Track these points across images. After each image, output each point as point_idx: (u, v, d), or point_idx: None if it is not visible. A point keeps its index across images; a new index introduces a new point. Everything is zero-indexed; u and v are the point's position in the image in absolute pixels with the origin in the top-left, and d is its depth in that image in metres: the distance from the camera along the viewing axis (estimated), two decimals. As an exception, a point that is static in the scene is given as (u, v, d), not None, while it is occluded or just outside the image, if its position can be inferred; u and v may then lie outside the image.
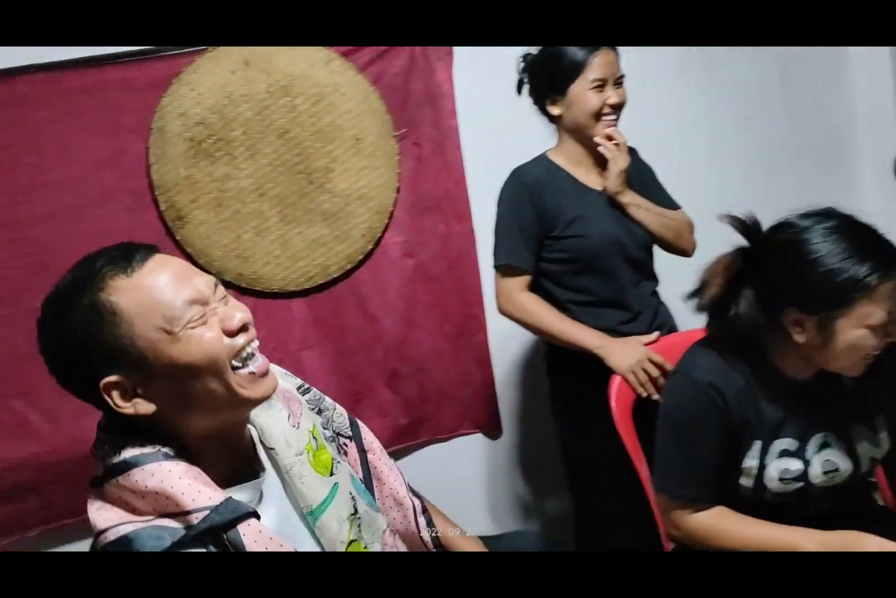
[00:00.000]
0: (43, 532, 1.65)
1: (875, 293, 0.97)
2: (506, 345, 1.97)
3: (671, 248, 1.63)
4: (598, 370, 1.47)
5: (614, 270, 1.55)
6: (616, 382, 1.43)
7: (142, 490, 0.74)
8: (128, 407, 0.76)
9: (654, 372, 1.43)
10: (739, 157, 2.17)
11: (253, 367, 0.79)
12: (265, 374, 0.80)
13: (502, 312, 1.59)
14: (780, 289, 1.04)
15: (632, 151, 1.62)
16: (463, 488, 2.00)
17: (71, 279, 0.77)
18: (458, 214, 1.85)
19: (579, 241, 1.53)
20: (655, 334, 1.51)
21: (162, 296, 0.75)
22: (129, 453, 0.76)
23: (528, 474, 2.05)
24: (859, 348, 1.01)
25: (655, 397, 1.40)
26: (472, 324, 1.93)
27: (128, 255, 0.77)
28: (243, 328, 0.79)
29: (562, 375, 1.66)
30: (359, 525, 0.90)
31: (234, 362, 0.78)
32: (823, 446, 1.11)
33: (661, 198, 1.64)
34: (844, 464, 1.11)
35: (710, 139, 2.14)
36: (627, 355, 1.44)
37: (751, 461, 1.10)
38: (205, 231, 1.64)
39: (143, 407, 0.77)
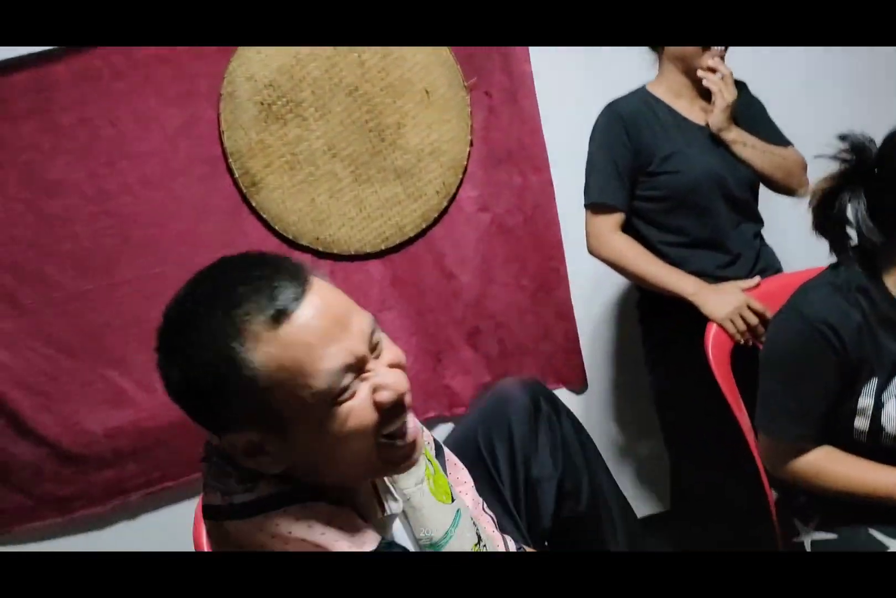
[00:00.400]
0: (144, 496, 1.83)
1: None
2: (589, 298, 2.03)
3: (780, 188, 1.62)
4: (693, 317, 1.48)
5: (712, 209, 1.56)
6: (712, 330, 1.45)
7: (284, 536, 0.69)
8: (251, 463, 0.71)
9: (753, 320, 1.44)
10: (840, 85, 2.13)
11: (401, 442, 0.73)
12: (413, 445, 0.74)
13: (592, 253, 1.62)
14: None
15: (740, 85, 1.60)
16: None
17: (205, 316, 0.66)
18: (535, 165, 1.89)
19: (676, 177, 1.54)
20: (756, 279, 1.52)
21: (313, 363, 0.65)
22: (264, 491, 0.71)
23: (615, 426, 2.14)
24: None
25: (757, 343, 1.42)
26: (553, 277, 1.99)
27: (274, 292, 0.66)
28: (397, 405, 0.71)
29: (655, 322, 1.70)
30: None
31: (382, 439, 0.71)
32: None
33: (771, 134, 1.63)
34: None
35: (809, 66, 2.11)
36: (724, 303, 1.45)
37: (866, 400, 1.11)
38: (280, 196, 1.73)
39: (270, 466, 0.71)
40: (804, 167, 1.62)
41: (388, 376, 0.70)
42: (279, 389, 0.66)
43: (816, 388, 1.12)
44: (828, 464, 1.15)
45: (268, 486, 0.71)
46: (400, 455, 0.73)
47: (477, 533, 0.87)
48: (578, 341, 2.04)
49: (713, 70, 1.51)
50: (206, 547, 1.04)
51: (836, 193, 1.09)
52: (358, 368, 0.69)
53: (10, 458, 1.72)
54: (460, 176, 1.84)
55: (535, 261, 1.97)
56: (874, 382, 1.11)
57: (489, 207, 1.90)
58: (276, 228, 1.76)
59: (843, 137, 1.08)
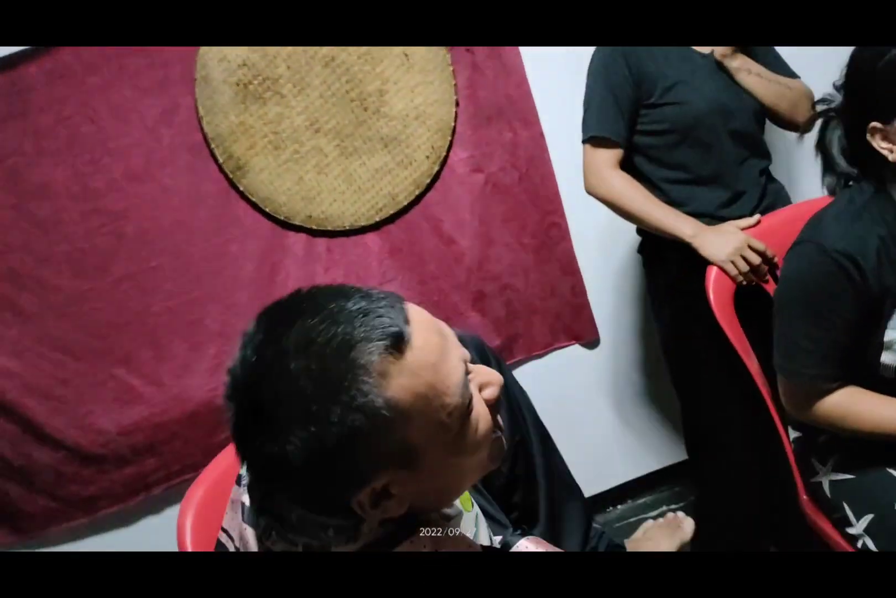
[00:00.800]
0: (165, 490, 1.98)
1: None
2: (593, 250, 2.13)
3: (784, 121, 1.66)
4: (696, 260, 1.52)
5: (717, 143, 1.59)
6: (713, 273, 1.49)
7: None
8: (376, 514, 0.68)
9: (756, 260, 1.48)
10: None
11: (500, 432, 0.74)
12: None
13: (589, 191, 1.67)
14: (856, 108, 1.11)
15: None
16: (566, 402, 2.22)
17: (316, 372, 0.62)
18: (524, 120, 1.97)
19: (679, 108, 1.57)
20: (755, 217, 1.56)
21: (443, 382, 0.65)
22: (369, 536, 0.70)
23: (631, 379, 2.27)
24: None
25: (762, 282, 1.47)
26: (554, 232, 2.09)
27: (383, 319, 0.64)
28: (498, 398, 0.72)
29: (658, 267, 1.76)
30: None
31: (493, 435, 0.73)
32: None
33: (777, 65, 1.66)
34: None
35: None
36: (724, 244, 1.49)
37: (894, 333, 1.13)
38: (267, 177, 1.83)
39: (394, 510, 0.68)
40: (811, 99, 1.63)
41: (484, 372, 0.72)
42: (416, 419, 0.64)
43: (838, 324, 1.13)
44: (855, 405, 1.17)
45: (370, 530, 0.69)
46: (499, 447, 0.74)
47: (490, 537, 0.90)
48: (586, 295, 2.15)
49: None
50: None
51: (827, 123, 1.18)
52: (467, 373, 0.69)
53: (32, 463, 1.85)
54: (449, 138, 1.93)
55: (535, 217, 2.07)
56: None
57: (482, 167, 1.99)
58: (267, 210, 1.85)
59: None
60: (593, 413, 2.28)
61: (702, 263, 1.52)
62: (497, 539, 1.12)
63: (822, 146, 1.19)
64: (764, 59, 1.64)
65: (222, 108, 1.75)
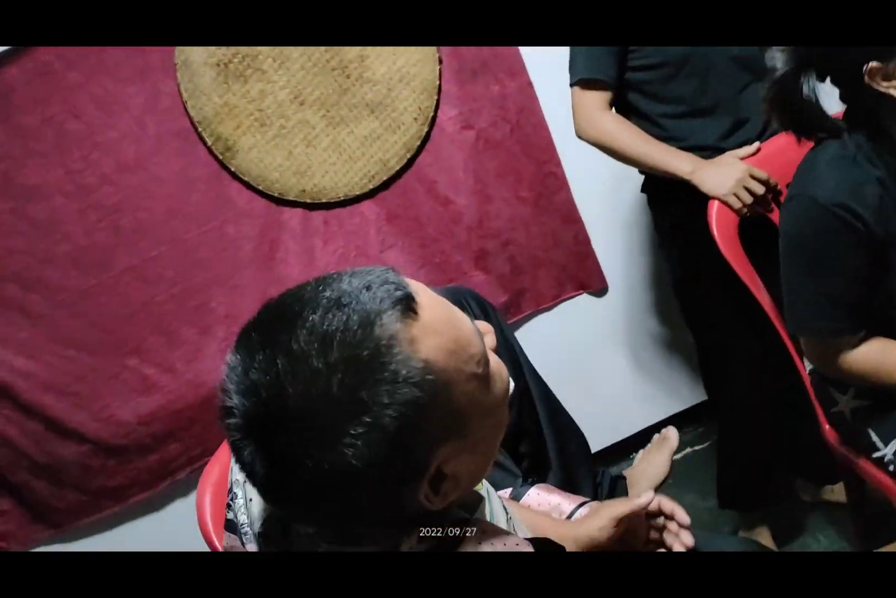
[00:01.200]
0: (190, 473, 2.15)
1: None
2: (594, 197, 2.24)
3: None
4: (702, 196, 1.55)
5: (714, 71, 1.62)
6: (714, 207, 1.52)
7: None
8: (439, 502, 0.68)
9: (759, 189, 1.50)
10: None
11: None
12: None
13: (581, 136, 1.72)
14: (851, 49, 1.10)
15: None
16: (579, 352, 2.37)
17: (347, 357, 0.61)
18: (510, 70, 2.06)
19: None
20: (755, 146, 1.59)
21: (462, 332, 0.67)
22: (413, 544, 0.69)
23: (644, 325, 2.40)
24: None
25: (768, 212, 1.50)
26: (551, 182, 2.20)
27: (387, 286, 0.65)
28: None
29: (662, 205, 1.83)
30: (513, 527, 0.92)
31: None
32: None
33: None
34: None
35: None
36: (725, 177, 1.52)
37: None
38: (256, 155, 1.94)
39: (454, 492, 0.69)
40: None
41: (477, 322, 0.73)
42: (455, 377, 0.65)
43: (847, 277, 1.16)
44: (886, 356, 1.21)
45: (411, 536, 0.69)
46: (509, 398, 0.75)
47: (504, 507, 0.93)
48: (590, 242, 2.27)
49: None
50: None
51: (793, 75, 1.18)
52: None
53: (58, 459, 2.01)
54: (436, 97, 2.03)
55: (530, 169, 2.17)
56: None
57: (472, 123, 2.09)
58: (261, 188, 1.97)
59: None
60: (608, 361, 2.41)
61: (707, 198, 1.56)
62: (507, 492, 1.22)
63: (794, 99, 1.18)
64: None
65: (205, 90, 1.86)
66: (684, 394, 2.43)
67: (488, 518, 0.86)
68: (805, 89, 1.16)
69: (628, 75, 1.68)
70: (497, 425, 0.72)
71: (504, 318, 1.42)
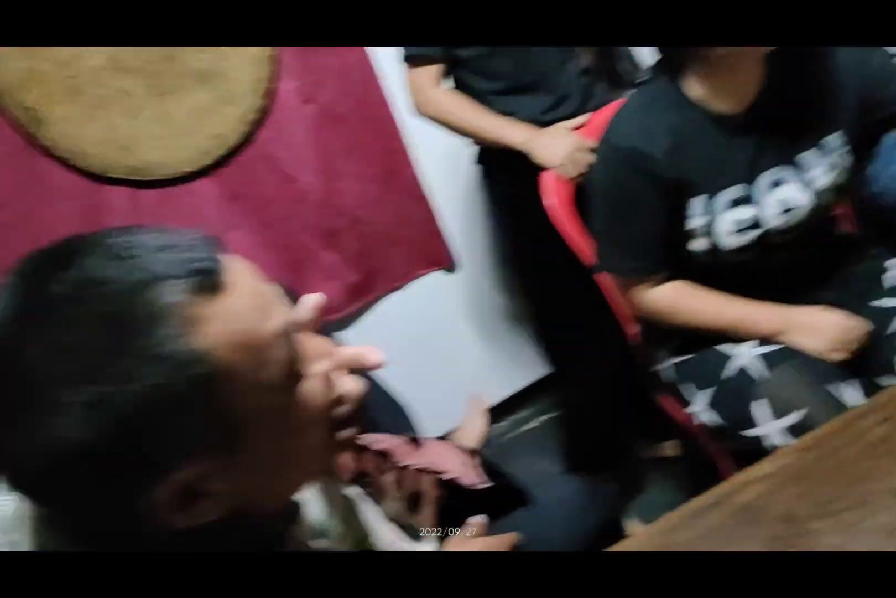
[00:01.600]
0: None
1: None
2: (445, 172, 2.14)
3: None
4: (535, 166, 1.55)
5: (533, 48, 1.61)
6: (550, 178, 1.51)
7: None
8: (185, 520, 0.56)
9: (590, 158, 1.48)
10: None
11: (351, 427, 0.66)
12: None
13: (418, 112, 1.70)
14: None
15: None
16: (433, 330, 2.28)
17: (102, 313, 0.51)
18: (350, 40, 1.91)
19: None
20: (585, 117, 1.60)
21: (266, 329, 0.56)
22: None
23: (495, 300, 2.35)
24: None
25: None
26: (397, 159, 2.07)
27: (192, 254, 0.55)
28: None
29: (496, 177, 1.81)
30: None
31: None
32: (775, 184, 1.20)
33: None
34: (801, 198, 1.20)
35: None
36: (556, 147, 1.53)
37: (698, 220, 1.21)
38: (71, 128, 1.68)
39: (211, 512, 0.57)
40: None
41: (322, 344, 0.64)
42: (236, 377, 0.54)
43: (641, 216, 1.21)
44: (680, 299, 1.27)
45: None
46: (344, 446, 0.68)
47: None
48: (438, 219, 2.18)
49: None
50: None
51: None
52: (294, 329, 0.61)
53: None
54: (271, 68, 1.84)
55: (376, 145, 2.04)
56: (701, 199, 1.20)
57: (314, 96, 1.92)
58: (79, 165, 1.72)
59: None
60: (461, 338, 2.35)
61: (540, 168, 1.56)
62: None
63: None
64: None
65: (5, 55, 1.58)
66: (536, 366, 2.38)
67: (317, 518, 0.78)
68: None
69: (458, 52, 1.64)
70: (306, 447, 0.61)
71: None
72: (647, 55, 1.23)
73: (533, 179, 1.56)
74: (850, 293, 1.30)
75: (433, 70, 1.65)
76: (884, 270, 1.33)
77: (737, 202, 1.20)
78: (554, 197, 1.50)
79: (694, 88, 1.17)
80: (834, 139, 1.22)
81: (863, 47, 1.20)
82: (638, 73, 1.23)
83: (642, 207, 1.21)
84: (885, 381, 1.22)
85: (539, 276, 1.85)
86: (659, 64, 1.22)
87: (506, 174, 1.75)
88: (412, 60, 1.66)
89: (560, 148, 1.53)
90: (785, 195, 1.20)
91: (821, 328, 1.21)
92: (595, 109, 1.65)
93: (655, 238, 1.24)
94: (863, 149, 1.29)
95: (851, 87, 1.19)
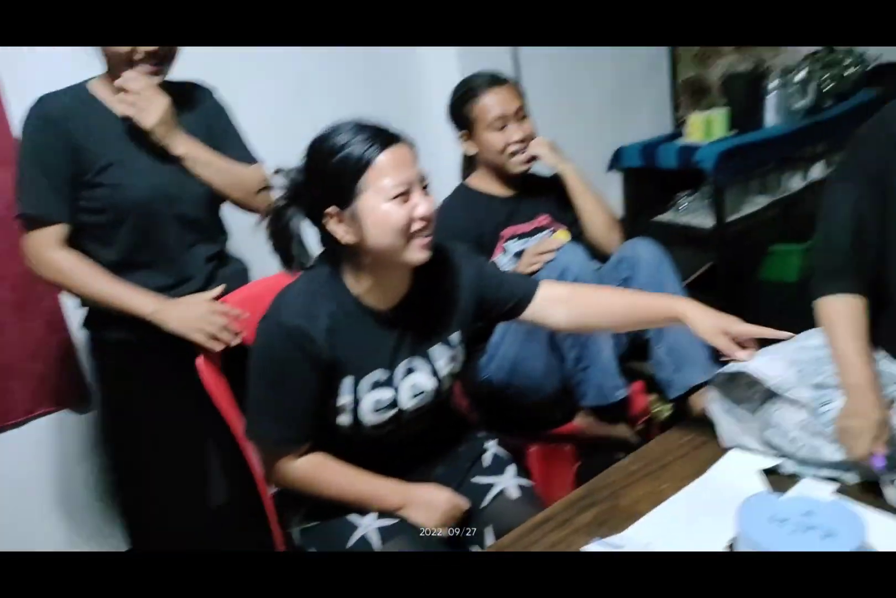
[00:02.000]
0: None
1: (378, 165, 1.19)
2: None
3: (243, 206, 1.67)
4: (148, 336, 1.52)
5: (157, 229, 1.57)
6: (201, 358, 1.50)
7: None
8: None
9: (222, 320, 1.52)
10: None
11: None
12: None
13: (36, 273, 1.56)
14: (317, 194, 1.25)
15: (205, 92, 1.67)
16: (44, 479, 2.07)
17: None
18: (3, 159, 1.76)
19: (115, 190, 1.52)
20: (218, 289, 1.58)
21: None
22: None
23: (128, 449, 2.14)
24: (389, 223, 1.20)
25: (236, 342, 1.51)
26: (40, 287, 1.90)
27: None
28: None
29: (104, 346, 1.69)
30: None
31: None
32: (409, 371, 1.35)
33: (235, 149, 1.67)
34: (429, 384, 1.37)
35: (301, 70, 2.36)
36: (186, 314, 1.51)
37: (345, 398, 1.31)
38: None
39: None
40: (265, 186, 1.53)
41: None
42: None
43: (296, 390, 1.28)
44: (318, 471, 1.34)
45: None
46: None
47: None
48: (76, 353, 2.02)
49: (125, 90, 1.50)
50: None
51: (284, 209, 1.28)
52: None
53: None
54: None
55: (16, 269, 1.83)
56: (350, 380, 1.30)
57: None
58: None
59: (276, 171, 1.30)
60: (70, 486, 2.13)
61: (155, 339, 1.53)
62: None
63: (276, 228, 1.29)
64: (220, 140, 1.65)
65: None
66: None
67: None
68: (292, 224, 1.28)
69: (80, 215, 1.55)
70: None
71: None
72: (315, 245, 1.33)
73: (141, 350, 1.56)
74: (458, 470, 1.46)
75: (53, 230, 1.52)
76: (484, 451, 1.51)
77: (378, 384, 1.33)
78: (208, 367, 1.50)
79: (351, 283, 1.31)
80: (456, 336, 1.41)
81: (478, 262, 1.44)
82: (306, 258, 1.29)
83: (299, 381, 1.28)
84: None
85: (163, 442, 1.71)
86: (324, 255, 1.33)
87: (112, 345, 1.67)
88: (28, 222, 1.53)
89: (192, 314, 1.52)
90: (416, 381, 1.36)
91: (434, 506, 1.34)
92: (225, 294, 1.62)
93: (306, 411, 1.30)
94: (475, 344, 1.45)
95: (472, 296, 1.41)
